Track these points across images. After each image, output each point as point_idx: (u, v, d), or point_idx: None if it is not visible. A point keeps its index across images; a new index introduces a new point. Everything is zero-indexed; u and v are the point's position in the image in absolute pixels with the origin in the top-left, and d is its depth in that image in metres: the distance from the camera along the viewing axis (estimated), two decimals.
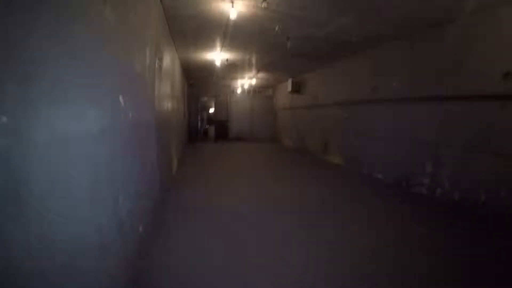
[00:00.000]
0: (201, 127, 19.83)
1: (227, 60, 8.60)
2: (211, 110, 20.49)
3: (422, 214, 5.14)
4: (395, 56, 7.34)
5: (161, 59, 5.20)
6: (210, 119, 19.84)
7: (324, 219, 4.74)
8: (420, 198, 6.16)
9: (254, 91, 18.71)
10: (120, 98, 2.65)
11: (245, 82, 15.48)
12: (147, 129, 4.00)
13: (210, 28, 6.49)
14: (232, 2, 4.75)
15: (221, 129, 18.16)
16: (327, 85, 10.78)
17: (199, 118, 18.31)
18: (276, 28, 6.02)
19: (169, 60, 6.69)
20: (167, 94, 6.28)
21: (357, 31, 6.53)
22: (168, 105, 6.52)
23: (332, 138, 10.51)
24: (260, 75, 12.77)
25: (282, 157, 11.44)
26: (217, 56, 8.60)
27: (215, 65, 9.60)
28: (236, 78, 14.48)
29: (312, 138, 12.28)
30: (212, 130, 18.55)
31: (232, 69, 11.19)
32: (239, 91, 18.37)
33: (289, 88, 13.58)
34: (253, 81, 13.86)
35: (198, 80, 15.34)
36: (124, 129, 2.83)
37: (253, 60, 9.58)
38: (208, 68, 11.03)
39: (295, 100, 14.14)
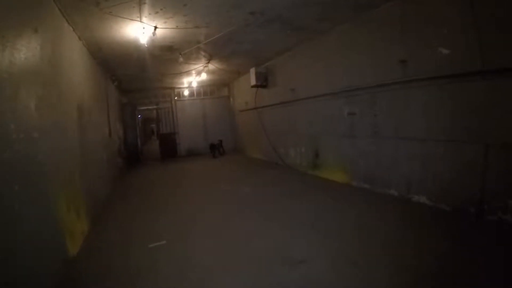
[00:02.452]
0: (142, 144, 16.36)
1: (155, 29, 5.29)
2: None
3: None
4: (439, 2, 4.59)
5: None
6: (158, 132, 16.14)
7: None
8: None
9: (205, 93, 15.49)
10: None
11: (193, 80, 12.22)
12: None
13: None
14: None
15: (168, 144, 14.66)
16: (313, 69, 7.80)
17: (138, 133, 14.67)
18: None
19: (36, 46, 3.40)
20: (24, 113, 2.95)
21: None
22: (31, 133, 3.18)
23: (328, 145, 7.52)
24: (212, 66, 9.63)
25: (258, 180, 8.17)
26: (140, 27, 5.34)
27: (141, 46, 6.31)
28: (180, 75, 11.16)
29: (292, 147, 9.25)
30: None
31: (170, 56, 7.90)
32: (186, 93, 15.04)
33: (252, 81, 10.49)
34: (203, 76, 10.61)
35: (129, 82, 11.77)
36: None
37: (201, 35, 6.39)
38: (134, 56, 7.64)
39: (261, 97, 11.05)
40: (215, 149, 13.93)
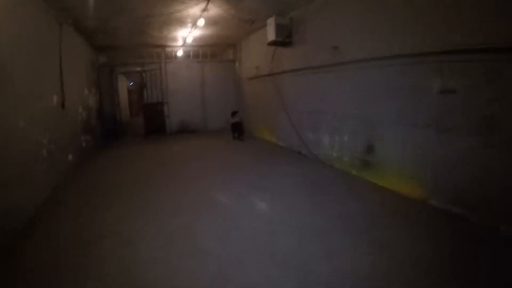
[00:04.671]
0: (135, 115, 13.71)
1: None
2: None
3: None
4: None
5: None
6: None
7: None
8: None
9: (204, 55, 12.71)
10: None
11: (188, 34, 9.45)
12: None
13: None
14: None
15: (154, 118, 11.95)
16: (375, 16, 5.04)
17: (117, 102, 11.89)
18: None
19: None
20: None
21: None
22: None
23: (391, 135, 4.88)
24: (214, 9, 6.89)
25: (276, 185, 5.42)
26: None
27: None
28: (168, 23, 8.39)
29: (327, 133, 6.54)
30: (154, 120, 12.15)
31: None
32: (180, 54, 12.25)
33: (270, 36, 7.72)
34: (201, 24, 7.67)
35: (103, 34, 8.81)
36: None
37: None
38: None
39: (281, 59, 8.28)
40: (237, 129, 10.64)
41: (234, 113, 10.83)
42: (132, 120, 19.46)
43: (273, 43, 7.81)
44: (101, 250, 3.37)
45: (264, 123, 10.00)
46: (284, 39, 7.60)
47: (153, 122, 11.87)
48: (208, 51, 12.63)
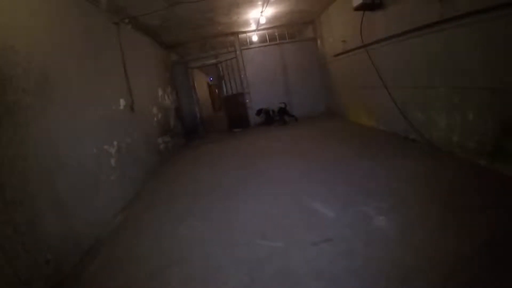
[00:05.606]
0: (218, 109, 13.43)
1: None
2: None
3: None
4: None
5: None
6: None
7: None
8: None
9: (281, 36, 11.79)
10: None
11: (259, 15, 8.62)
12: None
13: None
14: None
15: (235, 110, 11.46)
16: None
17: (195, 100, 11.61)
18: None
19: None
20: None
21: None
22: None
23: None
24: None
25: (396, 188, 4.18)
26: None
27: None
28: (238, 8, 7.70)
29: (442, 110, 5.09)
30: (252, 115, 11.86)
31: None
32: (255, 39, 11.52)
33: (356, 0, 6.67)
34: None
35: (168, 29, 8.40)
36: None
37: None
38: None
39: (372, 27, 6.92)
40: (272, 116, 11.18)
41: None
42: (215, 115, 19.49)
43: (360, 7, 6.58)
44: (167, 283, 2.78)
45: (359, 104, 8.77)
46: (373, 1, 6.37)
47: (235, 115, 11.40)
48: (285, 32, 11.69)
